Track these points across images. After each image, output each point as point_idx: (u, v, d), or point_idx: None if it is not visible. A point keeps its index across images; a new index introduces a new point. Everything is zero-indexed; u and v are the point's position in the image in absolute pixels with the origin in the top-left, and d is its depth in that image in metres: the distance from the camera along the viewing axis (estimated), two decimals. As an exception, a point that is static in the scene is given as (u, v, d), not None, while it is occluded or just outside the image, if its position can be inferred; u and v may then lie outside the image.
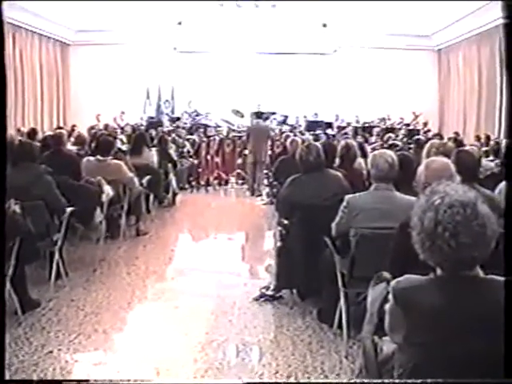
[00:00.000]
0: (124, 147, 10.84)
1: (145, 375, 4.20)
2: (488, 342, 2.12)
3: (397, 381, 2.48)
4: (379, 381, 2.67)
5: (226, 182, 14.79)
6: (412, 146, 10.46)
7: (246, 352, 4.64)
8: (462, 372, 2.16)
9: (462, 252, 2.12)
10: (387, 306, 2.38)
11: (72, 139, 10.37)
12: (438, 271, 2.24)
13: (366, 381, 2.94)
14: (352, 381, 3.97)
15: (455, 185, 2.24)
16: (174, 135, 14.10)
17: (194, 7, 15.58)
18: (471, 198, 2.15)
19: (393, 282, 2.33)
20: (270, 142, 13.76)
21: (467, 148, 5.71)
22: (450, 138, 12.28)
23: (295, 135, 13.42)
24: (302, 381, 4.13)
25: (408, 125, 17.12)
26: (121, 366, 4.36)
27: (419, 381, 2.23)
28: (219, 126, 16.40)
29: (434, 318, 2.17)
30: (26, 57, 16.27)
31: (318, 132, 15.29)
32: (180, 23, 17.58)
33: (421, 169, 3.77)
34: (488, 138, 13.46)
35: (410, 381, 2.31)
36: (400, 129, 16.49)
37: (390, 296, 2.32)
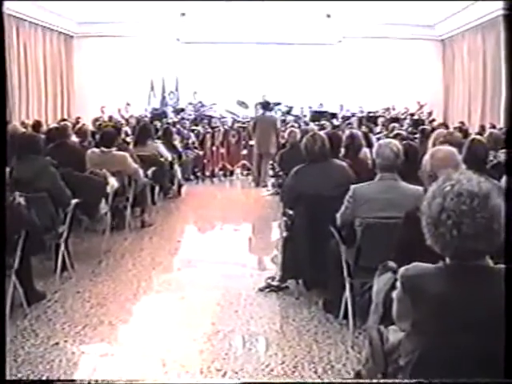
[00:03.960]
0: (129, 139, 10.85)
1: (151, 366, 4.20)
2: (495, 332, 2.10)
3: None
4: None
5: (232, 173, 14.79)
6: (417, 135, 10.41)
7: (251, 343, 4.64)
8: (467, 361, 2.15)
9: (464, 242, 2.10)
10: (395, 294, 2.38)
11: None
12: (447, 260, 2.22)
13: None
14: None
15: (470, 174, 2.20)
16: (178, 126, 14.09)
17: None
18: (483, 189, 2.11)
19: (401, 270, 2.32)
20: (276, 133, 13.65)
21: (480, 137, 5.67)
22: (455, 128, 12.24)
23: (300, 126, 13.37)
24: (307, 371, 4.13)
25: (413, 114, 17.03)
26: (127, 357, 4.36)
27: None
28: (224, 117, 16.33)
29: (441, 305, 2.16)
30: (29, 49, 16.20)
31: (322, 122, 15.24)
32: (183, 14, 17.52)
33: (426, 158, 3.73)
34: (493, 127, 13.36)
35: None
36: (405, 118, 16.40)
37: (398, 283, 2.31)
